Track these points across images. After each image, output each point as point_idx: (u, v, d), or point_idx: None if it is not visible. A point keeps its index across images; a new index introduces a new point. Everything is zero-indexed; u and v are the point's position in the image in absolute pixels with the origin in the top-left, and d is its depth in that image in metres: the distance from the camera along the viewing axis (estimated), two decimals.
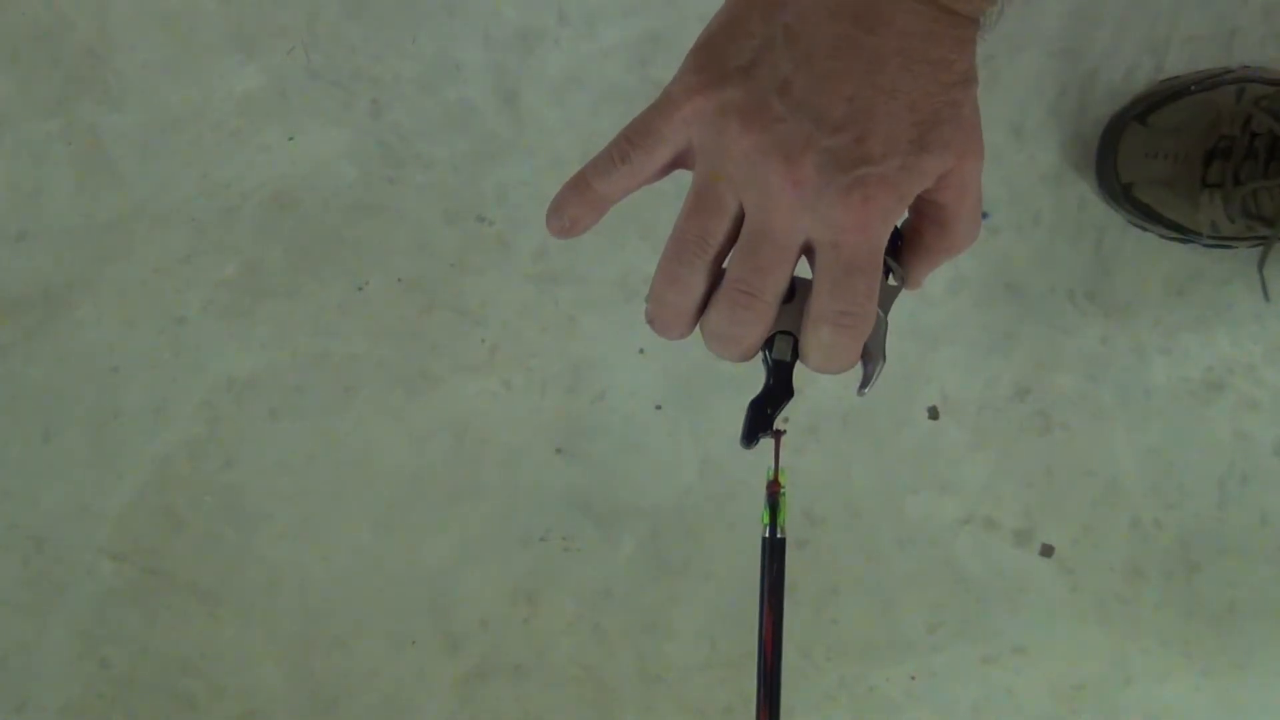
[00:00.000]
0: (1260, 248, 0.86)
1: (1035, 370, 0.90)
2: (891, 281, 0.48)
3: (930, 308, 0.90)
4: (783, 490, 0.48)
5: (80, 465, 0.94)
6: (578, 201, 0.47)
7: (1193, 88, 0.85)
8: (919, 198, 0.45)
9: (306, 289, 0.93)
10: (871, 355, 0.46)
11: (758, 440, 0.47)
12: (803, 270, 0.45)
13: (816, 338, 0.44)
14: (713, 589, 0.92)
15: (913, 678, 0.92)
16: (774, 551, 0.47)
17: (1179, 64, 0.88)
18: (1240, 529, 0.90)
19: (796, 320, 0.45)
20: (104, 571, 0.94)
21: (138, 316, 0.93)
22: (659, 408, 0.92)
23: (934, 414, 0.91)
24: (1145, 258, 0.89)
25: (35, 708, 0.95)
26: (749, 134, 0.42)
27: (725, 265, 0.45)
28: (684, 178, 0.46)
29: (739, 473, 0.92)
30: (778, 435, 0.48)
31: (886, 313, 0.47)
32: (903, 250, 0.48)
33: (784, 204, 0.42)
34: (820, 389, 0.91)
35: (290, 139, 0.93)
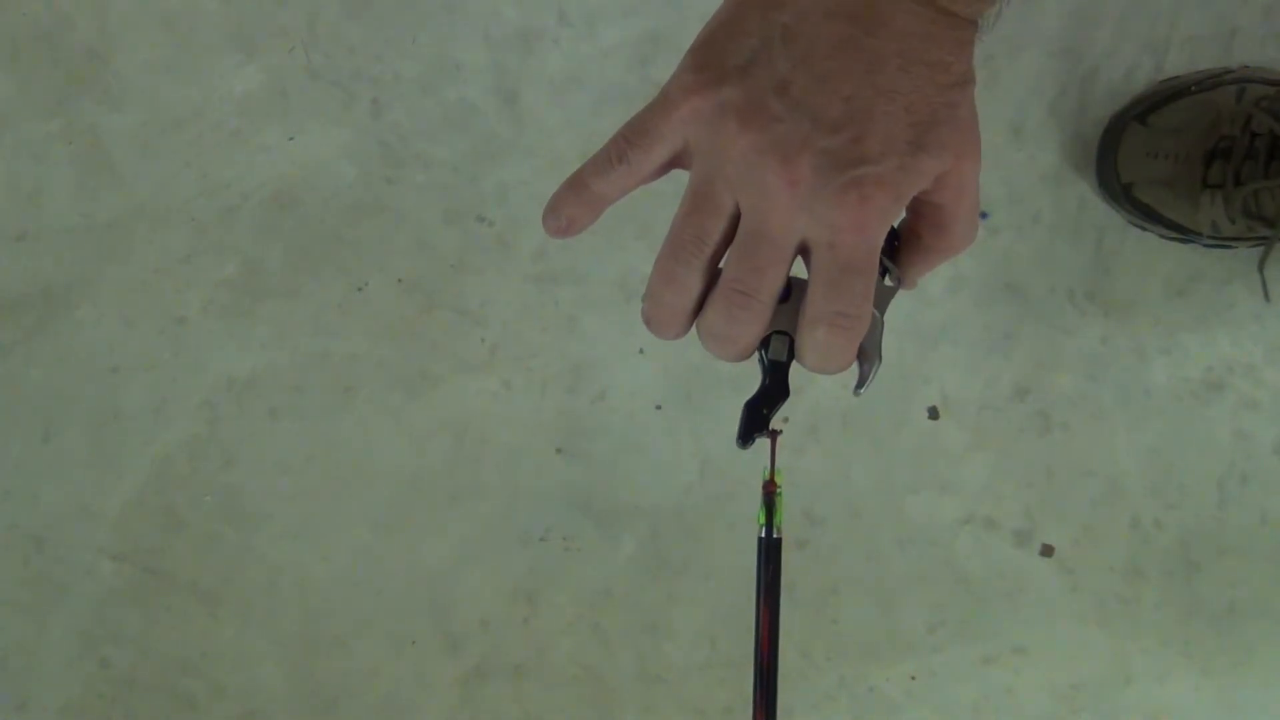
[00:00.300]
0: (1260, 248, 0.85)
1: (1035, 370, 0.90)
2: (888, 282, 0.48)
3: (930, 308, 0.90)
4: (779, 490, 0.48)
5: (80, 465, 0.94)
6: (575, 201, 0.47)
7: (1193, 88, 0.85)
8: (916, 198, 0.44)
9: (306, 289, 0.93)
10: (868, 355, 0.46)
11: (753, 440, 0.47)
12: (799, 270, 0.45)
13: (813, 338, 0.44)
14: (713, 589, 0.92)
15: (913, 678, 0.92)
16: (770, 552, 0.47)
17: (1179, 64, 0.88)
18: (1240, 529, 0.90)
19: (793, 320, 0.45)
20: (104, 571, 0.94)
21: (138, 316, 0.93)
22: (659, 408, 0.92)
23: (934, 414, 0.91)
24: (1145, 258, 0.89)
25: (35, 708, 0.95)
26: (746, 134, 0.42)
27: (722, 265, 0.45)
28: (684, 177, 0.46)
29: (739, 473, 0.92)
30: (774, 435, 0.48)
31: (883, 313, 0.47)
32: (899, 251, 0.48)
33: (781, 204, 0.42)
34: (820, 389, 0.91)
35: (290, 139, 0.93)
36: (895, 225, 0.47)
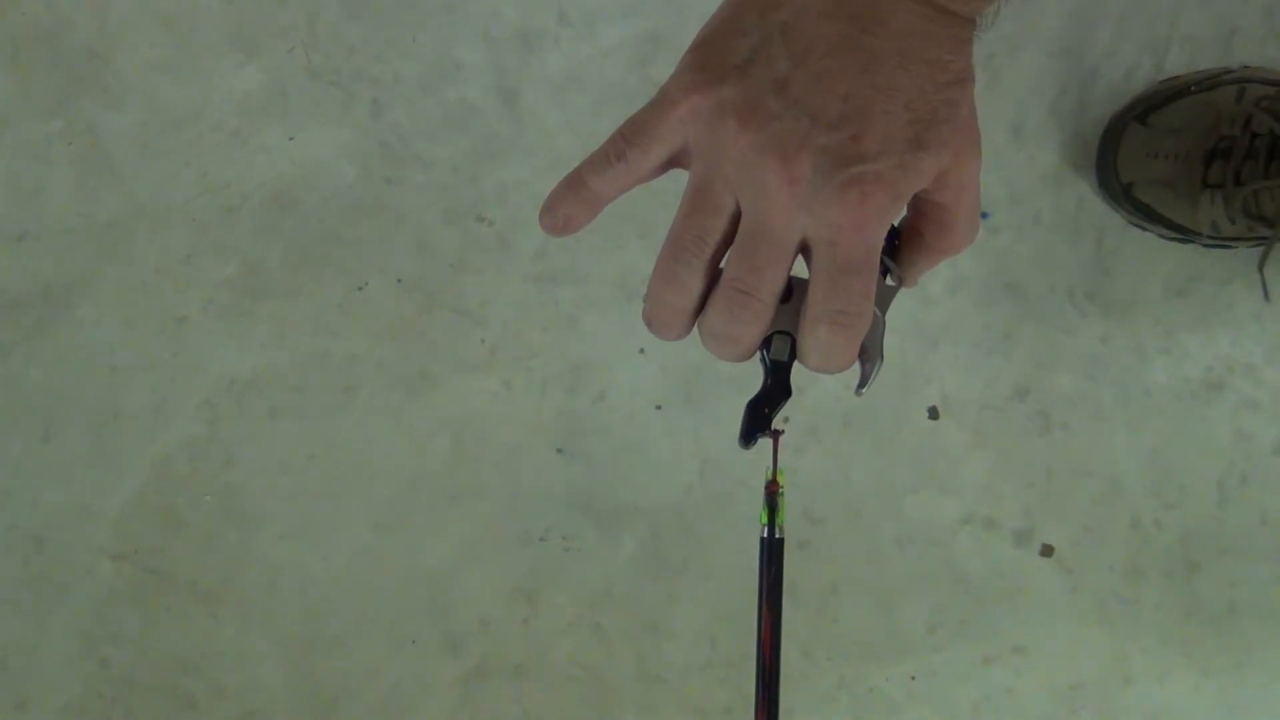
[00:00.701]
0: (1260, 248, 0.85)
1: (1035, 370, 0.90)
2: (889, 281, 0.47)
3: (930, 307, 0.90)
4: (781, 490, 0.48)
5: (80, 465, 0.94)
6: (572, 200, 0.47)
7: (1193, 88, 0.85)
8: (917, 197, 0.44)
9: (306, 289, 0.93)
10: (869, 355, 0.46)
11: (755, 440, 0.47)
12: (800, 270, 0.45)
13: (814, 337, 0.44)
14: (713, 589, 0.92)
15: (913, 678, 0.92)
16: (772, 552, 0.47)
17: (1179, 64, 0.88)
18: (1240, 529, 0.90)
19: (794, 320, 0.45)
20: (104, 571, 0.94)
21: (138, 316, 0.93)
22: (659, 408, 0.92)
23: (934, 414, 0.91)
24: (1145, 258, 0.89)
25: (35, 707, 0.95)
26: (745, 132, 0.42)
27: (722, 265, 0.45)
28: (685, 176, 0.46)
29: (739, 473, 0.92)
30: (776, 435, 0.48)
31: (884, 312, 0.47)
32: (900, 249, 0.48)
33: (780, 202, 0.42)
34: (821, 389, 0.91)
35: (290, 139, 0.93)
36: (896, 224, 0.47)
